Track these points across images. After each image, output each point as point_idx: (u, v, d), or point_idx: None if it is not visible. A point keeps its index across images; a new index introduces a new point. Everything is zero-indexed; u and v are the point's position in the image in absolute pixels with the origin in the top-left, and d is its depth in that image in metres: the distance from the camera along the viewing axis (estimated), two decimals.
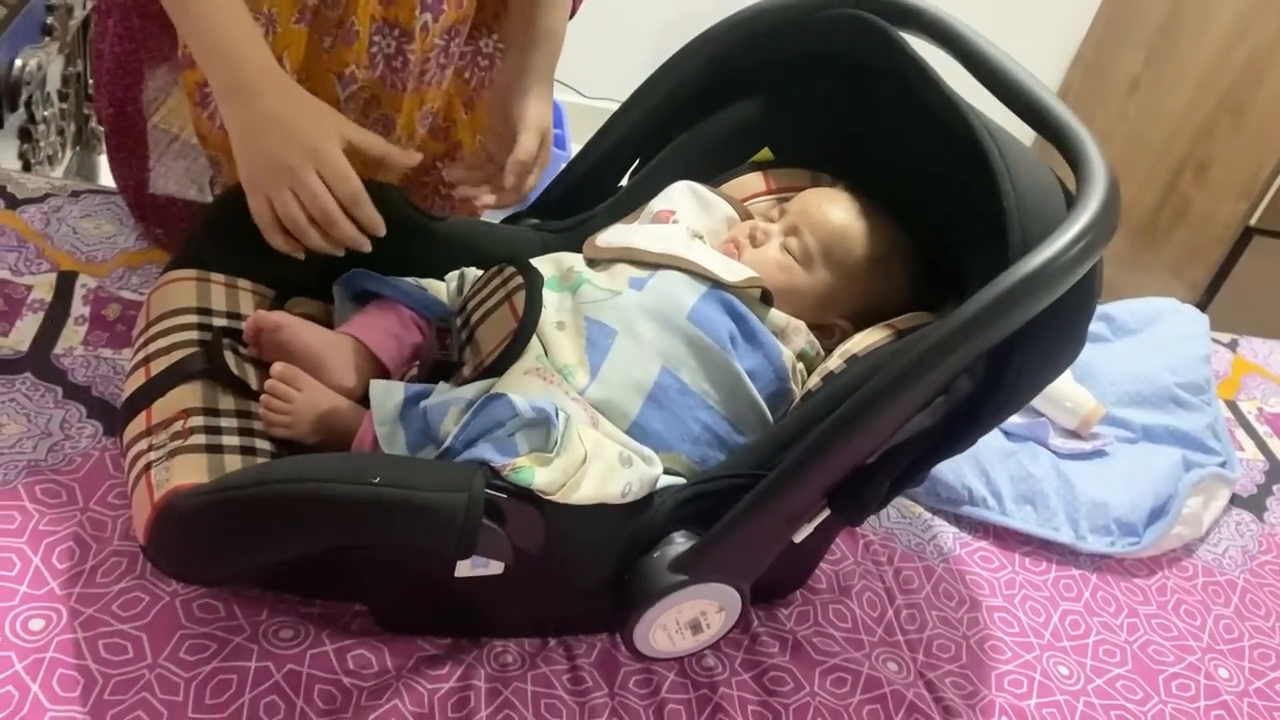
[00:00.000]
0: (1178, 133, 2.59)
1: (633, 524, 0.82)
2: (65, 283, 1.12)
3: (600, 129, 1.11)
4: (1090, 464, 1.28)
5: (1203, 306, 2.51)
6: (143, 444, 0.81)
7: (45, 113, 1.58)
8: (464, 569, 0.77)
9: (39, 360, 1.03)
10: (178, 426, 0.82)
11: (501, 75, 1.13)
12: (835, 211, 0.98)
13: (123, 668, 0.80)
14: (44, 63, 1.49)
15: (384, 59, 1.09)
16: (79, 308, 1.10)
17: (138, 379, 0.87)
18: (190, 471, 0.78)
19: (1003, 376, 0.80)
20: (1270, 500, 1.35)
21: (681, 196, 1.04)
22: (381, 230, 0.95)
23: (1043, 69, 3.01)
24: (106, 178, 1.97)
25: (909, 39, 0.96)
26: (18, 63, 1.39)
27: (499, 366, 0.85)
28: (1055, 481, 1.20)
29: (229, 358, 0.89)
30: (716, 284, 0.91)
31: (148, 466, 0.79)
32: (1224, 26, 2.48)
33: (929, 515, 1.18)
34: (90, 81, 1.84)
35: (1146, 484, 1.22)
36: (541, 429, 0.76)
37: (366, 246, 0.95)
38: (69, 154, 1.78)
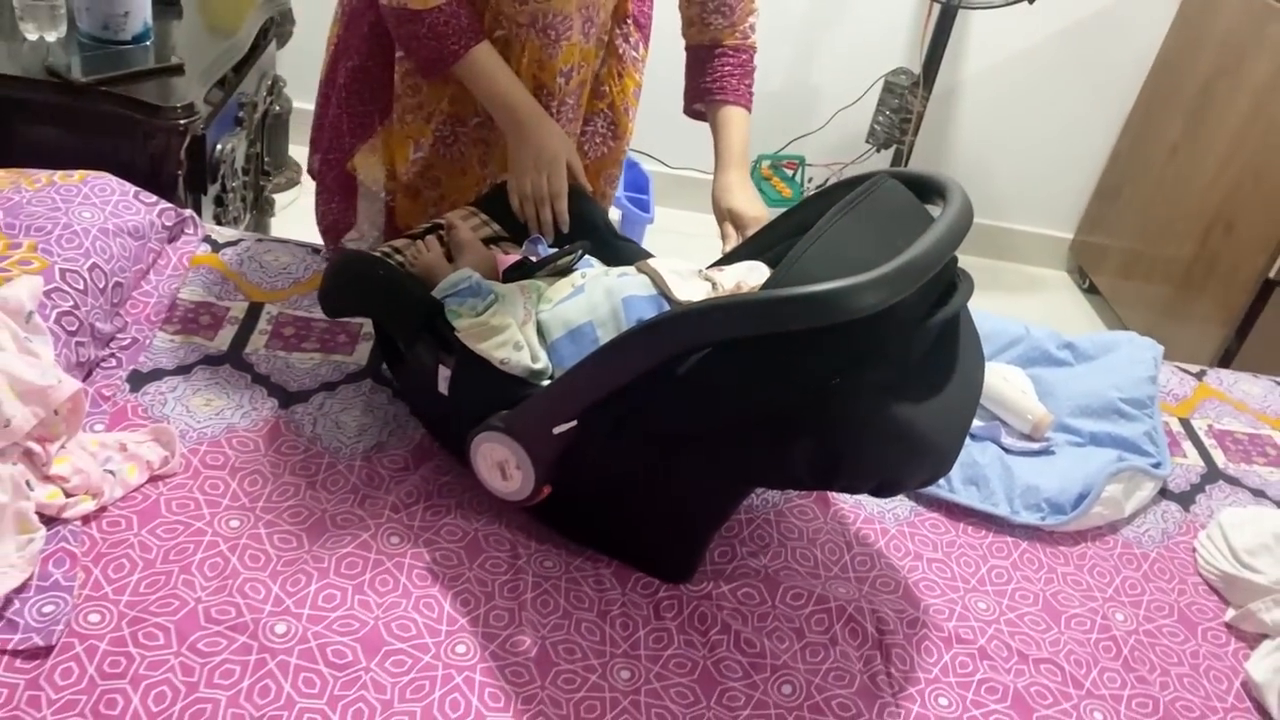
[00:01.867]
0: (1209, 195, 2.83)
1: (508, 391, 1.19)
2: (254, 308, 1.55)
3: (744, 241, 1.47)
4: (1036, 459, 1.57)
5: (1234, 351, 2.75)
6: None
7: (233, 184, 2.05)
8: (440, 385, 1.25)
9: (234, 356, 1.46)
10: (377, 248, 1.43)
11: (715, 190, 1.55)
12: None
13: (289, 551, 1.19)
14: (235, 147, 1.96)
15: None
16: (264, 324, 1.53)
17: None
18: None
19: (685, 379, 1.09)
20: (1200, 496, 1.61)
21: (743, 265, 1.36)
22: (565, 225, 1.46)
23: (1098, 135, 3.29)
24: (276, 233, 2.44)
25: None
26: (218, 147, 1.86)
27: (509, 279, 1.34)
28: (998, 469, 1.51)
29: (431, 235, 1.45)
30: (665, 295, 1.26)
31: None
32: (1246, 102, 2.73)
33: None
34: (266, 159, 2.33)
35: (1078, 474, 1.51)
36: (477, 299, 1.22)
37: (550, 234, 1.47)
38: (248, 216, 2.25)
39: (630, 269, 1.32)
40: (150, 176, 1.70)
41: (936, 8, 2.79)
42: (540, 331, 1.27)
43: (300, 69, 2.37)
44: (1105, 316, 3.31)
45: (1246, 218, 2.69)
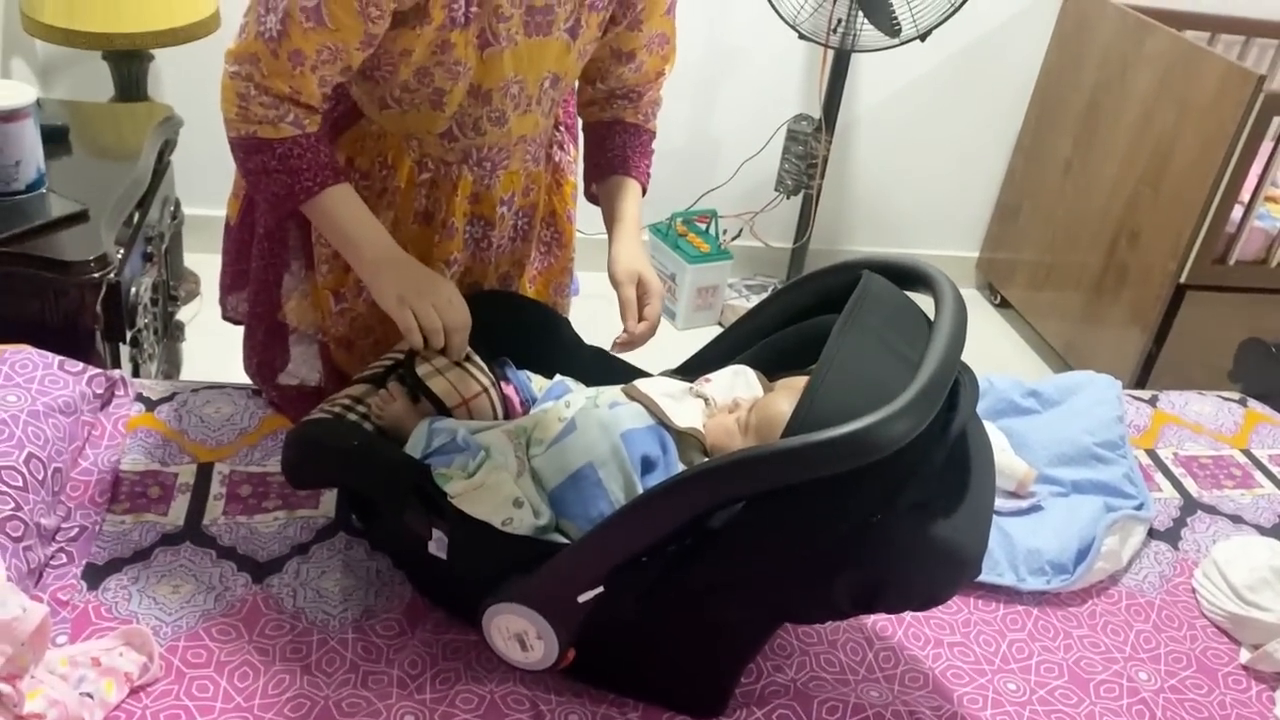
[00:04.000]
0: (1109, 206, 2.92)
1: (516, 553, 1.12)
2: (204, 470, 1.44)
3: (717, 336, 1.42)
4: (1028, 518, 1.57)
5: (1155, 355, 2.83)
6: (319, 405, 1.33)
7: (144, 320, 1.92)
8: (432, 548, 1.16)
9: (194, 531, 1.35)
10: (337, 400, 1.32)
11: (618, 253, 1.42)
12: (777, 401, 1.19)
13: None
14: (147, 285, 1.83)
15: (474, 242, 1.46)
16: (217, 488, 1.42)
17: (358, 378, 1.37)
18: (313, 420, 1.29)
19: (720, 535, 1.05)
20: (1184, 530, 1.63)
21: (728, 372, 1.32)
22: (458, 356, 1.29)
23: (991, 157, 3.37)
24: (190, 364, 2.31)
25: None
26: (132, 290, 1.73)
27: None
28: (998, 536, 1.49)
29: (394, 382, 1.32)
30: (663, 423, 1.21)
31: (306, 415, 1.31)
32: (1133, 116, 2.83)
33: None
34: (171, 283, 2.19)
35: (1073, 530, 1.51)
36: (466, 455, 1.15)
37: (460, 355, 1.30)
38: (159, 348, 2.12)
39: (619, 396, 1.26)
40: (64, 335, 1.57)
41: (831, 54, 2.82)
42: (535, 478, 1.20)
43: (184, 172, 2.26)
44: (1020, 328, 3.38)
45: (1150, 226, 2.77)
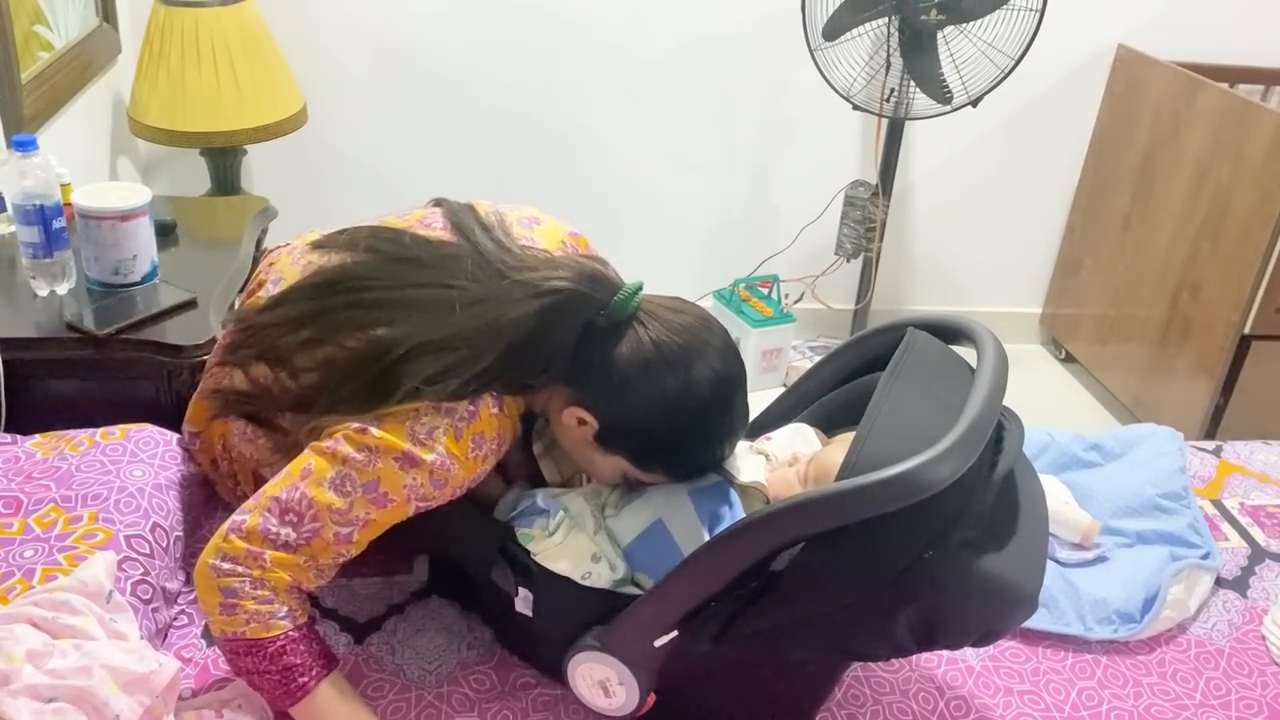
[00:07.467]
0: (1170, 259, 2.95)
1: (596, 605, 1.20)
2: None
3: (776, 398, 1.50)
4: (1094, 569, 1.60)
5: (1223, 407, 2.83)
6: None
7: None
8: (518, 604, 1.24)
9: None
10: None
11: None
12: (832, 452, 1.27)
13: None
14: None
15: None
16: None
17: None
18: None
19: (782, 577, 1.11)
20: (1253, 579, 1.65)
21: (788, 430, 1.41)
22: None
23: (1050, 214, 3.42)
24: None
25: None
26: None
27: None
28: (1062, 586, 1.54)
29: None
30: (727, 479, 1.28)
31: None
32: (1188, 171, 2.87)
33: None
34: None
35: (1139, 579, 1.54)
36: (546, 517, 1.23)
37: None
38: None
39: None
40: (178, 412, 1.69)
41: (885, 122, 2.91)
42: (610, 535, 1.28)
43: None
44: (1087, 383, 3.40)
45: (1211, 279, 2.80)
